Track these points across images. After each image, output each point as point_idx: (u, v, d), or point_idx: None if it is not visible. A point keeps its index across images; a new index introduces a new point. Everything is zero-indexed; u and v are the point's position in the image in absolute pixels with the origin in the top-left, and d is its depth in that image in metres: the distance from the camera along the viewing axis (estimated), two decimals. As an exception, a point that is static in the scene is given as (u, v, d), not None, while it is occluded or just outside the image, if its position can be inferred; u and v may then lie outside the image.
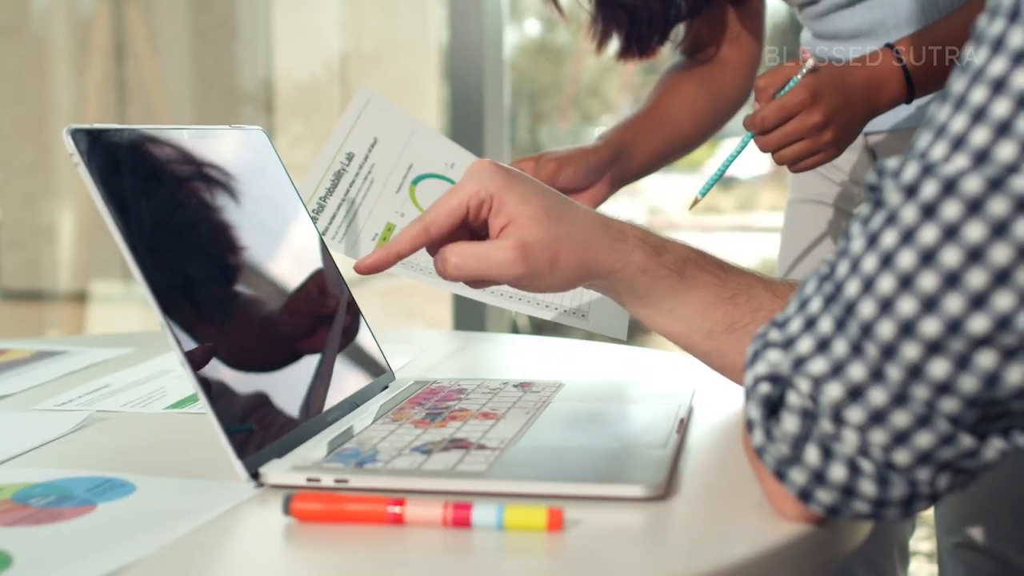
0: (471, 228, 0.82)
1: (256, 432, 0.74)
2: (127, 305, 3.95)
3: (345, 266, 0.96)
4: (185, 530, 0.64)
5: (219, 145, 0.87)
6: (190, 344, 0.72)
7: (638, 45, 1.39)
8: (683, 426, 0.82)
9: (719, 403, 0.90)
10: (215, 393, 0.72)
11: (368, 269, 0.82)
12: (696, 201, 1.20)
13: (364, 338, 0.95)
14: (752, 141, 1.20)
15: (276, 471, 0.71)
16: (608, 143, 1.34)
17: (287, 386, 0.80)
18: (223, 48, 4.07)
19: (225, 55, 4.08)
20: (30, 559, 0.60)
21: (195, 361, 0.71)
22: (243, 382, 0.75)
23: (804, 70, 1.16)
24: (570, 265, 0.79)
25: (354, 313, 0.95)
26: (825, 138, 1.16)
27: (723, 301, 0.81)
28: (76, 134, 0.71)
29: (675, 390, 0.91)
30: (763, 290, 0.82)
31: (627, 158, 1.35)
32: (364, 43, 4.52)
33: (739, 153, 1.21)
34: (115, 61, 3.93)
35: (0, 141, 4.16)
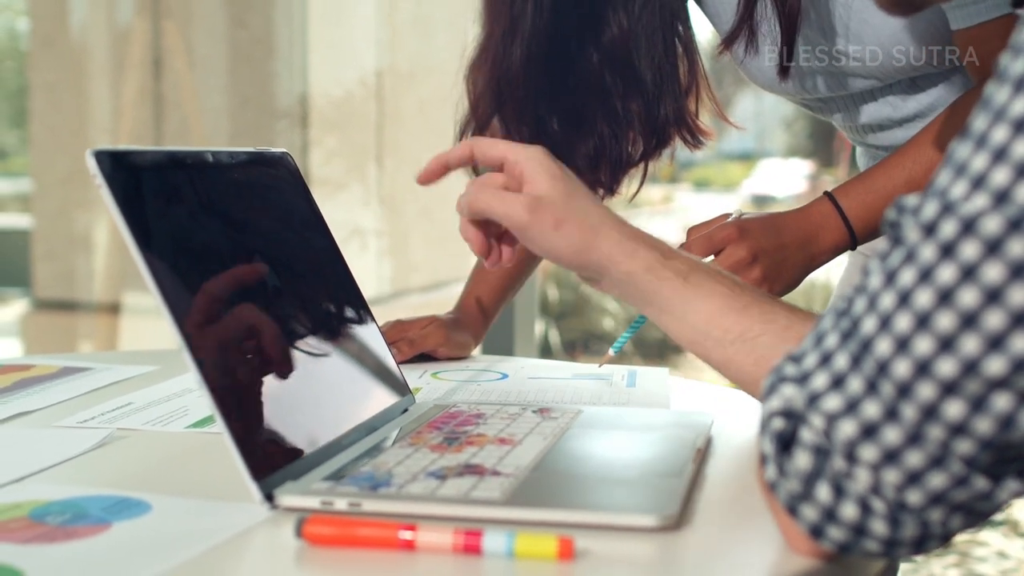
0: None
1: (272, 454, 0.74)
2: (159, 317, 3.96)
3: (365, 289, 0.96)
4: (198, 551, 0.64)
5: (244, 168, 0.88)
6: (208, 365, 0.72)
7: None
8: (700, 455, 0.81)
9: (740, 432, 0.89)
10: (232, 414, 0.72)
11: (424, 178, 0.89)
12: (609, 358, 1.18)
13: (384, 361, 0.95)
14: None
15: (290, 494, 0.71)
16: (473, 307, 1.36)
17: (305, 409, 0.80)
18: (259, 63, 4.10)
19: (261, 70, 4.11)
20: (43, 578, 0.60)
21: (213, 382, 0.72)
22: (261, 404, 0.76)
23: (734, 215, 1.15)
24: (572, 234, 0.80)
25: (375, 336, 0.95)
26: (753, 275, 1.12)
27: (734, 310, 0.79)
28: (100, 156, 0.72)
29: (694, 419, 0.91)
30: (780, 306, 0.80)
31: (492, 314, 1.39)
32: (399, 61, 4.54)
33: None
34: (152, 75, 3.96)
35: (36, 152, 4.21)
